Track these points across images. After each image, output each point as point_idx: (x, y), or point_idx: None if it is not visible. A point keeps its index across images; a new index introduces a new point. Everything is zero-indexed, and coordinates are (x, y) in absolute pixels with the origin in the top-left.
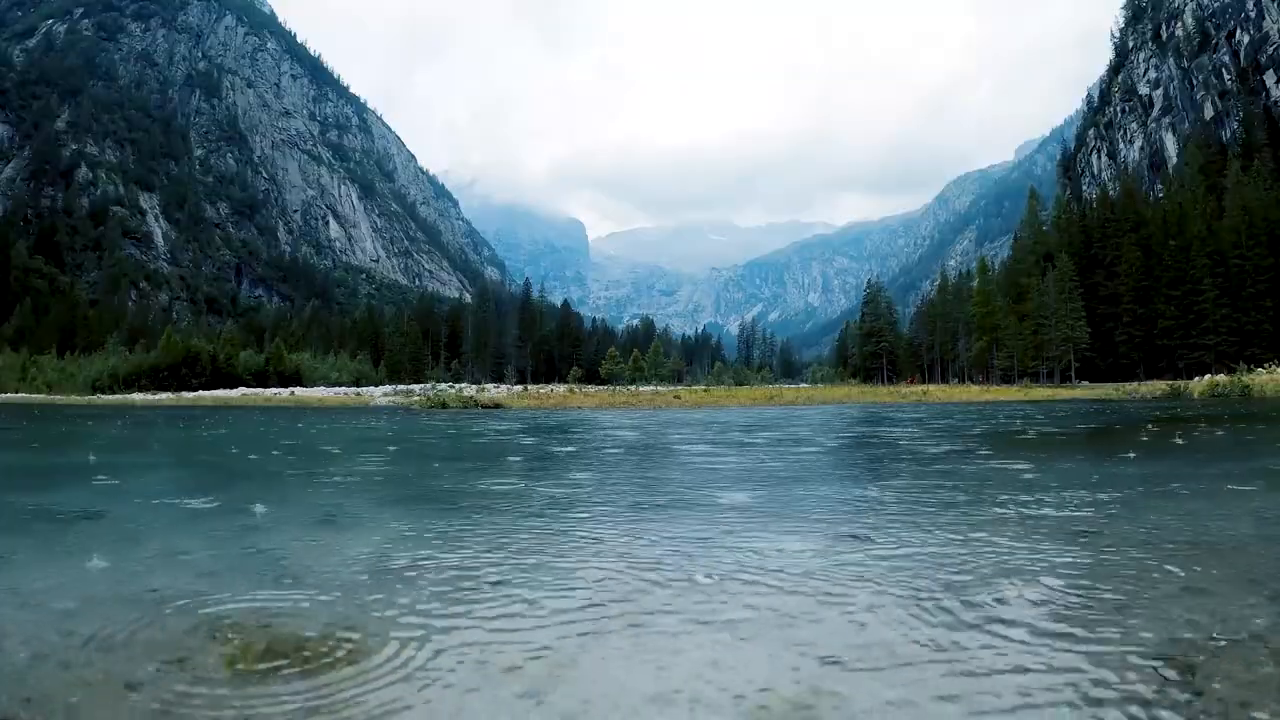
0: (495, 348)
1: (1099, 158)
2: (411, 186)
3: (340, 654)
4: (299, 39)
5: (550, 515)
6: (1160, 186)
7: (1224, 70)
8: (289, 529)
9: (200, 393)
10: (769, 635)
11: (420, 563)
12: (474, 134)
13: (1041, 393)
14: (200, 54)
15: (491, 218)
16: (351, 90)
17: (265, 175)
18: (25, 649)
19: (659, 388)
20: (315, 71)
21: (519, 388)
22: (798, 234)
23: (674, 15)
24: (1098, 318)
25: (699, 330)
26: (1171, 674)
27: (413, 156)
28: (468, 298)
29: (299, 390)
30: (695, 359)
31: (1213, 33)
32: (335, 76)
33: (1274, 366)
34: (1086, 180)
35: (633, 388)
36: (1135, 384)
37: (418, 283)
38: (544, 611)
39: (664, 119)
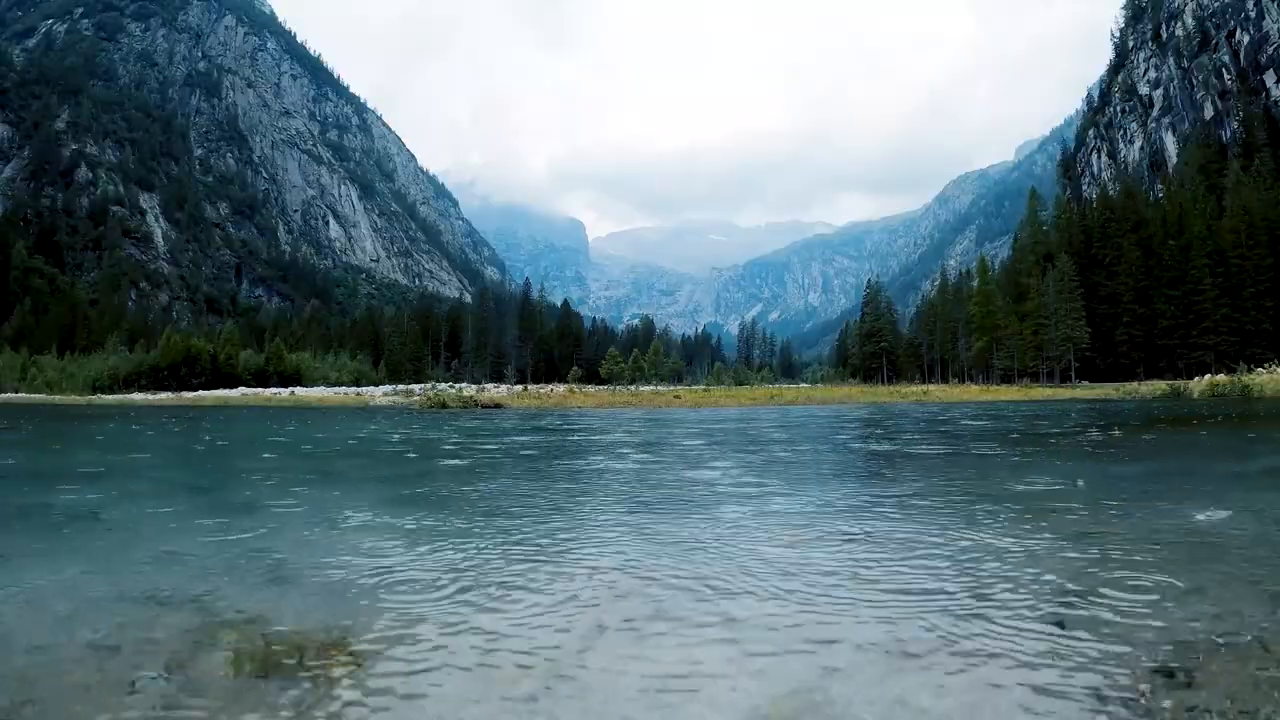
0: (495, 348)
1: (1099, 158)
2: (411, 186)
3: (339, 655)
4: (299, 39)
5: (551, 516)
6: (1160, 186)
7: (1224, 70)
8: (287, 529)
9: (200, 392)
10: (770, 635)
11: (419, 563)
12: (474, 134)
13: (1041, 392)
14: (200, 54)
15: (491, 218)
16: (351, 90)
17: (265, 175)
18: (25, 650)
19: (659, 387)
20: (315, 71)
21: (519, 388)
22: (798, 234)
23: (674, 15)
24: (1098, 318)
25: (699, 330)
26: (1171, 674)
27: (413, 156)
28: (468, 298)
29: (299, 390)
30: (695, 359)
31: (1213, 33)
32: (335, 76)
33: (1274, 366)
34: (1086, 180)
35: (633, 388)
36: (1135, 384)
37: (418, 283)
38: (545, 611)
39: (664, 119)
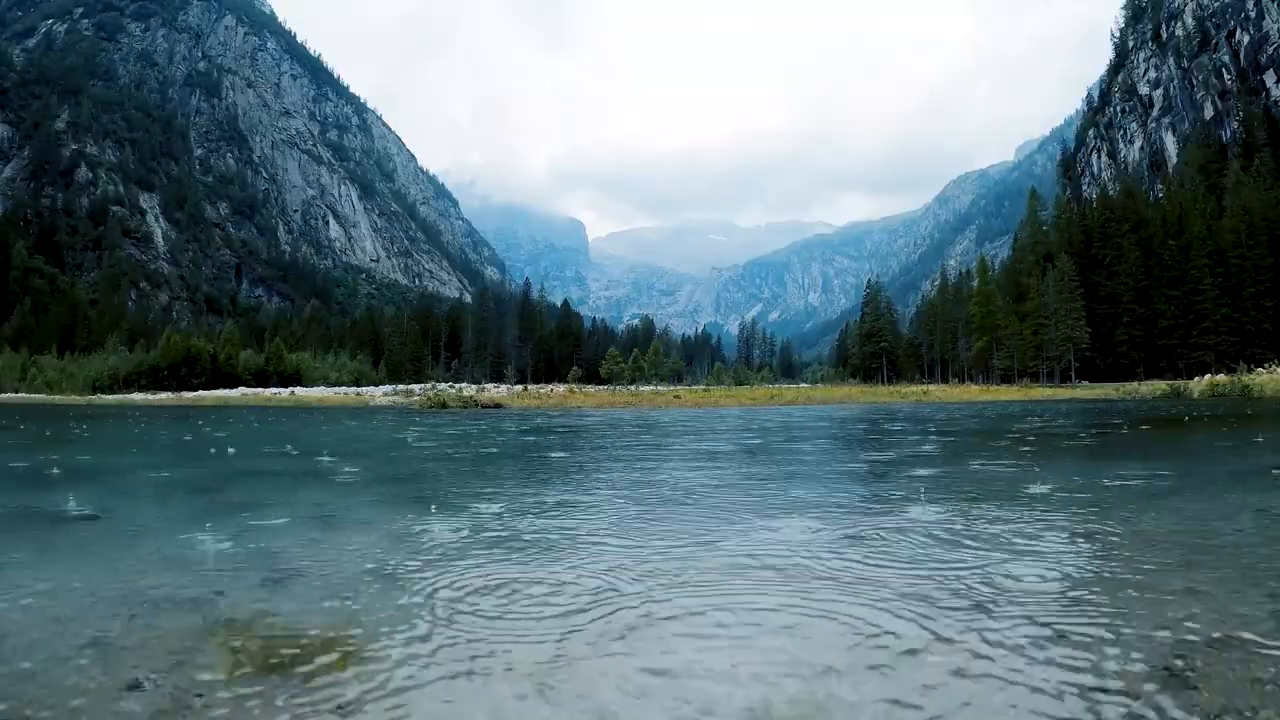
0: (495, 348)
1: (1099, 158)
2: (411, 186)
3: (340, 654)
4: (299, 39)
5: (549, 516)
6: (1160, 186)
7: (1224, 70)
8: (288, 529)
9: (200, 392)
10: (769, 635)
11: (419, 563)
12: (474, 134)
13: (1041, 393)
14: (200, 54)
15: (491, 218)
16: (351, 90)
17: (265, 175)
18: (26, 649)
19: (659, 387)
20: (315, 71)
21: (519, 388)
22: (798, 234)
23: (674, 15)
24: (1098, 318)
25: (699, 330)
26: (1171, 674)
27: (413, 156)
28: (468, 298)
29: (299, 390)
30: (695, 359)
31: (1213, 33)
32: (335, 76)
33: (1274, 366)
34: (1086, 180)
35: (633, 388)
36: (1135, 384)
37: (418, 283)
38: (544, 611)
39: (664, 119)
